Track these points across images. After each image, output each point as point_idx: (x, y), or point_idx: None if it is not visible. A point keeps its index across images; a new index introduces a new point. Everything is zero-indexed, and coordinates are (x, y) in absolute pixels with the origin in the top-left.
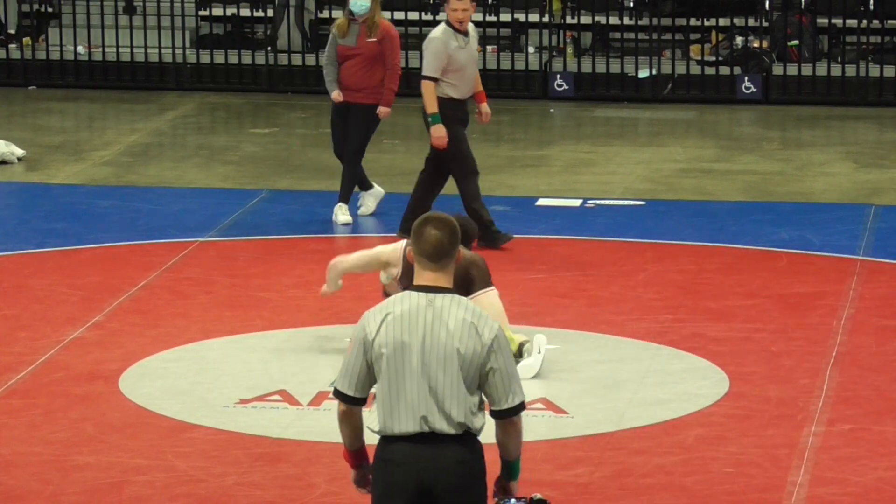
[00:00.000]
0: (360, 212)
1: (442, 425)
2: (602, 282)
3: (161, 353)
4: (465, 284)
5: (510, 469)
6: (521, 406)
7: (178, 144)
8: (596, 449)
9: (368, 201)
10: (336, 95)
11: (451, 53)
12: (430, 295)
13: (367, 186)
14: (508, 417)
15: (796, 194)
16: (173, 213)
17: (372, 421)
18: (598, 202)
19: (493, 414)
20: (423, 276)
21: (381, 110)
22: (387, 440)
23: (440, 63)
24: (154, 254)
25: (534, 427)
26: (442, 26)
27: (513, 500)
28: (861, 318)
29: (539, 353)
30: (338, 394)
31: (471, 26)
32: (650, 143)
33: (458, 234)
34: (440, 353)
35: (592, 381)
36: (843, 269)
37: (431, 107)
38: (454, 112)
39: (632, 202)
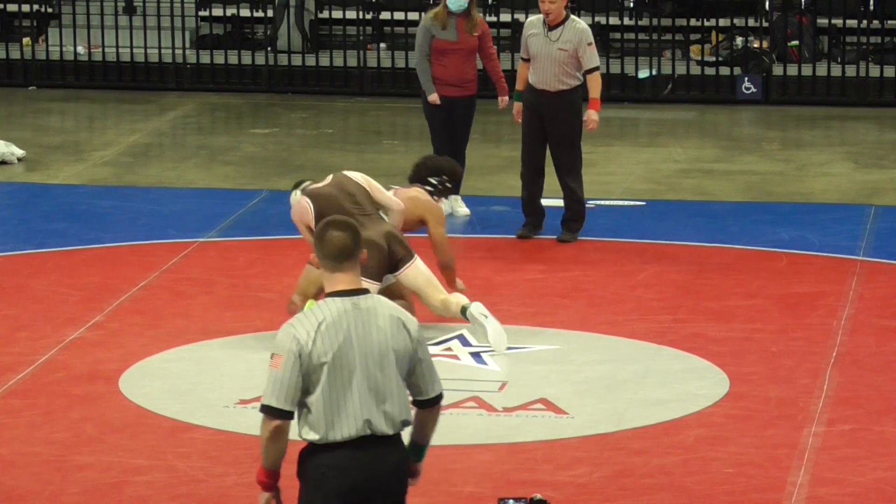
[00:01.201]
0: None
1: (383, 427)
2: (602, 282)
3: (161, 353)
4: (393, 261)
5: (421, 452)
6: (442, 394)
7: (178, 144)
8: (596, 449)
9: None
10: (434, 98)
11: (527, 38)
12: (353, 298)
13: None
14: (433, 406)
15: (796, 194)
16: (173, 213)
17: (308, 431)
18: (598, 202)
19: (420, 404)
20: (335, 281)
21: (504, 100)
22: (324, 448)
23: (522, 44)
24: (154, 254)
25: (534, 427)
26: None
27: (511, 501)
28: (861, 318)
29: (487, 317)
30: (273, 411)
31: (574, 27)
32: (650, 143)
33: (360, 234)
34: (376, 354)
35: (592, 381)
36: (843, 269)
37: (516, 83)
38: (527, 97)
39: (632, 202)
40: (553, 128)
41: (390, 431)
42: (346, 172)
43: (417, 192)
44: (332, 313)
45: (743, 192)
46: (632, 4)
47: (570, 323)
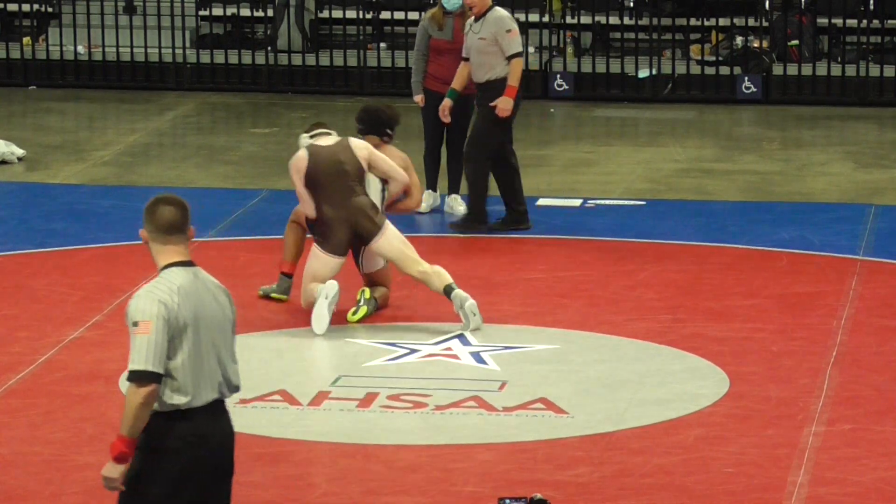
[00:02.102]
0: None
1: (225, 391)
2: (602, 282)
3: None
4: (361, 235)
5: None
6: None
7: (178, 144)
8: (596, 449)
9: (429, 200)
10: (420, 100)
11: (466, 33)
12: (193, 268)
13: (434, 187)
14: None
15: (796, 194)
16: None
17: (173, 396)
18: (598, 202)
19: None
20: (169, 253)
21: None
22: (182, 415)
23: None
24: None
25: (534, 427)
26: None
27: (508, 500)
28: (861, 318)
29: (475, 315)
30: (149, 376)
31: (493, 16)
32: (650, 143)
33: (188, 210)
34: (217, 322)
35: (592, 381)
36: (843, 269)
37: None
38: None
39: (632, 202)
40: (476, 115)
41: (230, 395)
42: (351, 140)
43: (390, 149)
44: (182, 279)
45: (743, 191)
46: (632, 4)
47: (570, 323)
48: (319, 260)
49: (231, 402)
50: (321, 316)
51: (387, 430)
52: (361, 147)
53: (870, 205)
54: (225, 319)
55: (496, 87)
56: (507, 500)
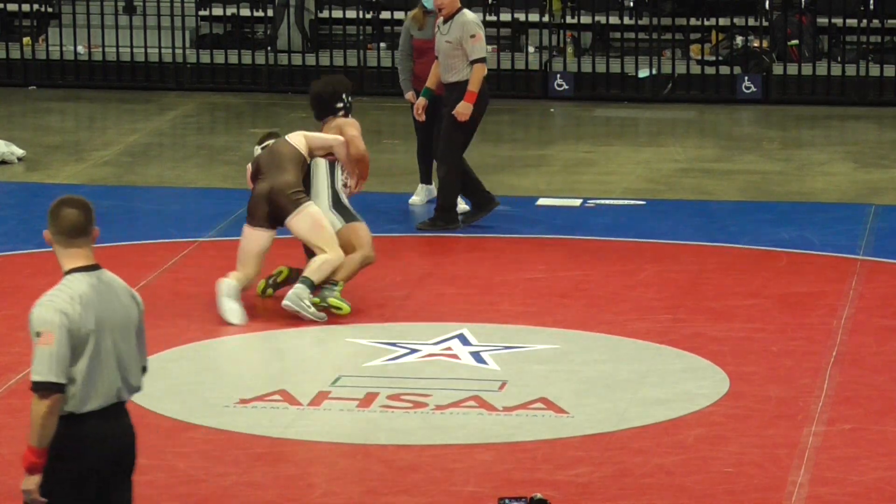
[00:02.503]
0: (411, 200)
1: (125, 395)
2: (602, 282)
3: (161, 353)
4: (277, 212)
5: None
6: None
7: (178, 144)
8: (596, 449)
9: (422, 194)
10: (410, 97)
11: (434, 34)
12: (95, 272)
13: (427, 181)
14: (143, 374)
15: (796, 194)
16: (173, 213)
17: (66, 401)
18: (598, 202)
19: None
20: (72, 257)
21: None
22: (76, 420)
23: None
24: (154, 254)
25: (534, 427)
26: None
27: (508, 500)
28: (861, 318)
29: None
30: (52, 386)
31: (460, 19)
32: (650, 143)
33: (92, 212)
34: (121, 325)
35: (592, 381)
36: (843, 269)
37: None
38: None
39: (632, 202)
40: (443, 118)
41: (128, 398)
42: (287, 137)
43: (337, 121)
44: (84, 286)
45: (743, 191)
46: (632, 4)
47: (570, 323)
48: (246, 237)
49: (231, 402)
50: (230, 310)
51: (387, 430)
52: (295, 136)
53: (870, 205)
54: (129, 322)
55: (461, 89)
56: (507, 500)
